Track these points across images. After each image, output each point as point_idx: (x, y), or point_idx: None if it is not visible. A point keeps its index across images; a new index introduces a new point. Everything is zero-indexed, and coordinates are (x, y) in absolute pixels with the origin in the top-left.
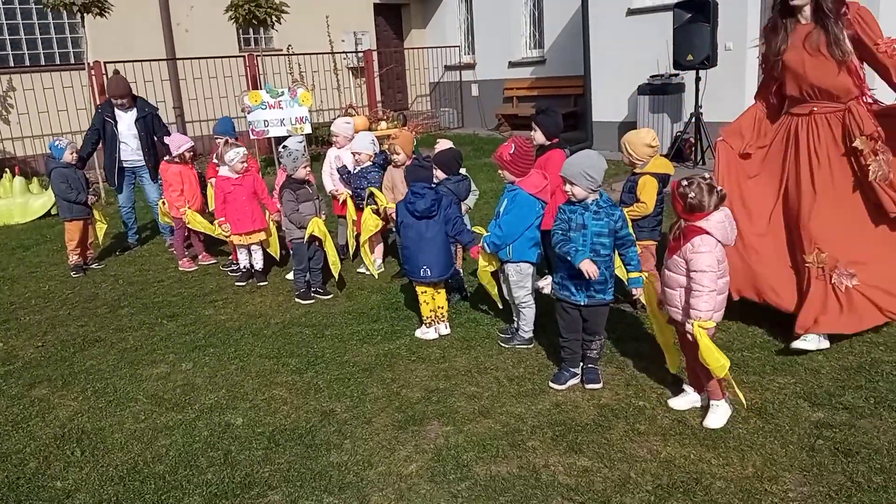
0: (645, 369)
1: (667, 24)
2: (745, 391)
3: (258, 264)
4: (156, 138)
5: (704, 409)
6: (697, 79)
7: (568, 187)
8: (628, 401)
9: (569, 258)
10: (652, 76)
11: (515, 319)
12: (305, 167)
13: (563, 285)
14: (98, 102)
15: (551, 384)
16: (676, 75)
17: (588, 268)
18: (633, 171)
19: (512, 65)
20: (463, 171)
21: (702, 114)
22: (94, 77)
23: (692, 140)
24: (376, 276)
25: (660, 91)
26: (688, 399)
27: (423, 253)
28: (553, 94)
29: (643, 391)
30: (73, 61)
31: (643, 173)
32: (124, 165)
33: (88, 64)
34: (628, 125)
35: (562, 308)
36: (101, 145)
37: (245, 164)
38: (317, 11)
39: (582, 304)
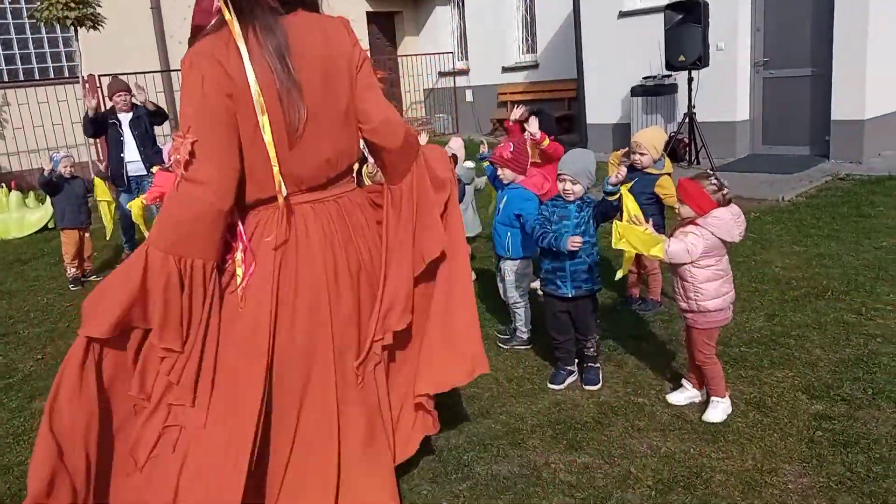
0: (644, 367)
1: (658, 26)
2: (744, 385)
3: None
4: (156, 127)
5: (703, 403)
6: (690, 79)
7: (569, 185)
8: (627, 398)
9: (553, 248)
10: (645, 77)
11: (512, 320)
12: None
13: (549, 280)
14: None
15: (550, 385)
16: (669, 76)
17: (573, 241)
18: (643, 171)
19: (505, 70)
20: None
21: (695, 114)
22: (88, 90)
23: (686, 140)
24: None
25: (653, 92)
26: (686, 394)
27: None
28: (547, 98)
29: (642, 388)
30: (67, 75)
31: (662, 173)
32: (130, 173)
33: (83, 77)
34: (622, 127)
35: (550, 308)
36: (104, 147)
37: None
38: None
39: (570, 296)
